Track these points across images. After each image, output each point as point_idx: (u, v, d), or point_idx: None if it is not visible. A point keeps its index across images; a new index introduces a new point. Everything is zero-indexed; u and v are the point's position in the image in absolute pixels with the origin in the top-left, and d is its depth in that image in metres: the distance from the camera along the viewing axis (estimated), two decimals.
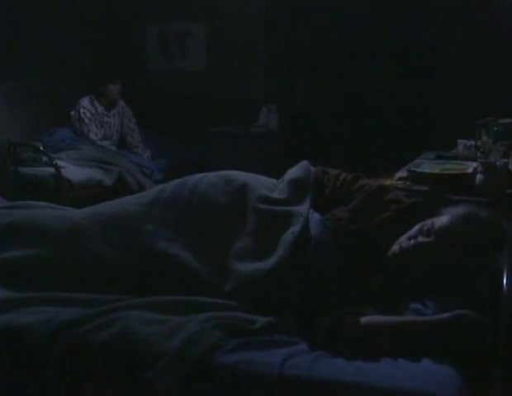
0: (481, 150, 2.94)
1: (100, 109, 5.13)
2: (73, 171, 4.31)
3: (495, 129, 2.71)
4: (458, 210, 1.78)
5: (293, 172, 2.08)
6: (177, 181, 2.12)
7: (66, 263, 1.92)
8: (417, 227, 1.78)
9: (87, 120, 5.01)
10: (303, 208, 1.91)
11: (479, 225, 1.72)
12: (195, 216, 1.97)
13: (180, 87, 5.70)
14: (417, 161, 3.18)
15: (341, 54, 5.21)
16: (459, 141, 3.65)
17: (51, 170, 4.12)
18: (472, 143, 3.48)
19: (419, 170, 2.45)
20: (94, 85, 5.15)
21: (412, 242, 1.74)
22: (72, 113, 5.07)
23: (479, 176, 2.31)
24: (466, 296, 1.61)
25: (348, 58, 5.18)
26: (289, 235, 1.83)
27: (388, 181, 2.59)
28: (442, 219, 1.76)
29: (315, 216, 1.90)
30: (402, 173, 2.67)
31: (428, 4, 4.90)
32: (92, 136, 5.03)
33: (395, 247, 1.76)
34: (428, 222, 1.77)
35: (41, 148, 4.29)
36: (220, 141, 5.22)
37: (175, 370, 1.51)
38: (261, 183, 2.07)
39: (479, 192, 2.29)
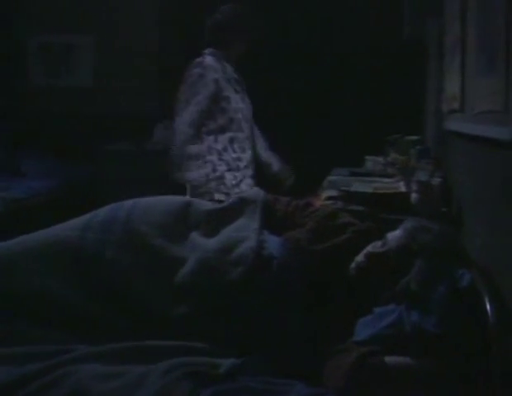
0: (397, 167, 2.98)
1: None
2: None
3: (418, 147, 2.77)
4: (409, 223, 1.86)
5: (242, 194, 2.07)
6: (106, 207, 1.99)
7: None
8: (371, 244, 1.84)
9: None
10: (253, 223, 1.88)
11: (429, 233, 1.79)
12: (137, 238, 1.84)
13: (67, 103, 5.37)
14: (332, 178, 3.13)
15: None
16: (367, 157, 3.71)
17: None
18: (381, 159, 3.54)
19: (352, 189, 2.42)
20: None
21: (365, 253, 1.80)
22: None
23: (414, 195, 2.32)
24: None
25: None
26: (247, 251, 1.76)
27: (318, 202, 2.53)
28: (393, 233, 1.84)
29: (272, 238, 1.86)
30: (330, 192, 2.62)
31: None
32: None
33: (352, 264, 1.81)
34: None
35: None
36: (114, 159, 5.00)
37: None
38: (203, 202, 2.07)
39: (415, 211, 2.29)
